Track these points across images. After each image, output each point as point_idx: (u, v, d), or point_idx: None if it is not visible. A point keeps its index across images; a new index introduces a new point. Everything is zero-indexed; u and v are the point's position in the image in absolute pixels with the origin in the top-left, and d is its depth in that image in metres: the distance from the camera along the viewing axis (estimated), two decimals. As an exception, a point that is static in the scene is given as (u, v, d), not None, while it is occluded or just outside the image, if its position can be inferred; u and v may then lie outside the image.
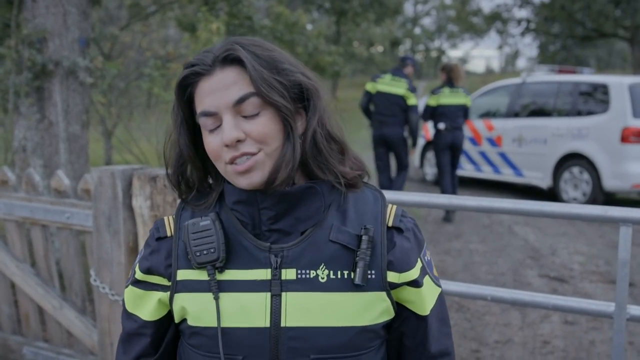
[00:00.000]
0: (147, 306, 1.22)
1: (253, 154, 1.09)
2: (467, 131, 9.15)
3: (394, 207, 1.23)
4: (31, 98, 4.77)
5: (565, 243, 6.96)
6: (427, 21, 65.94)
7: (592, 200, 8.32)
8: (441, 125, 7.82)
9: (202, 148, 1.18)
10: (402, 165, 7.86)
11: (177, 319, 1.19)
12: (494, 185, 10.40)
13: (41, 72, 4.76)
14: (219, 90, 1.10)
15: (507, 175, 9.72)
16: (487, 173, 10.08)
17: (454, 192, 8.00)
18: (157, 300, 1.21)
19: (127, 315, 1.26)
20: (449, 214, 7.97)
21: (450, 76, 7.88)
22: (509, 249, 6.74)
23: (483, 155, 10.06)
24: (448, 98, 7.81)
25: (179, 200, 1.26)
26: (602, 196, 8.34)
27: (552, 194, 9.08)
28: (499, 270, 5.94)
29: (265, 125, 1.10)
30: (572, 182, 8.65)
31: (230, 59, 1.10)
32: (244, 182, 1.11)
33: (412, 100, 7.50)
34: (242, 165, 1.09)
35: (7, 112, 4.85)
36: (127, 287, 1.26)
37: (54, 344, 3.29)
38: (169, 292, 1.18)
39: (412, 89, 7.55)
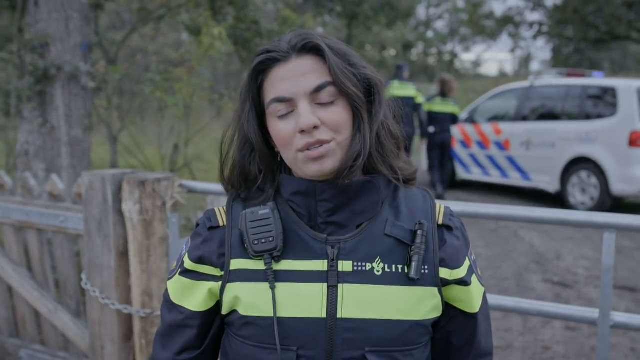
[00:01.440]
0: (196, 296, 1.20)
1: (327, 142, 1.09)
2: (458, 134, 10.20)
3: (443, 205, 1.25)
4: (33, 102, 4.81)
5: (571, 248, 6.91)
6: (439, 24, 65.68)
7: (600, 204, 8.25)
8: (431, 129, 9.38)
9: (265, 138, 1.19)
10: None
11: (225, 310, 1.18)
12: (502, 190, 10.34)
13: (43, 77, 4.80)
14: (296, 77, 1.11)
15: (514, 179, 9.67)
16: (494, 177, 10.03)
17: (442, 184, 9.53)
18: (207, 291, 1.19)
19: (171, 307, 1.24)
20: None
21: (443, 89, 9.43)
22: (514, 253, 6.70)
23: (491, 159, 10.01)
24: (439, 106, 9.36)
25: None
26: (610, 200, 8.27)
27: (559, 198, 9.01)
28: (503, 275, 5.90)
29: (340, 114, 1.11)
30: (580, 187, 8.59)
31: (308, 48, 1.12)
32: (314, 169, 1.10)
33: (419, 99, 9.21)
34: (315, 151, 1.09)
35: (9, 116, 4.89)
36: (171, 278, 1.25)
37: (50, 346, 3.31)
38: (220, 282, 1.17)
39: (418, 90, 9.17)
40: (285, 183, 1.18)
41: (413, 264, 1.12)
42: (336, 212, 1.15)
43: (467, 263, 1.22)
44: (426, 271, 1.15)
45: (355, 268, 1.13)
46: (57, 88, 4.90)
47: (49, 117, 4.93)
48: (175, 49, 9.31)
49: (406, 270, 1.13)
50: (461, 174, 10.68)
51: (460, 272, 1.20)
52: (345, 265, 1.13)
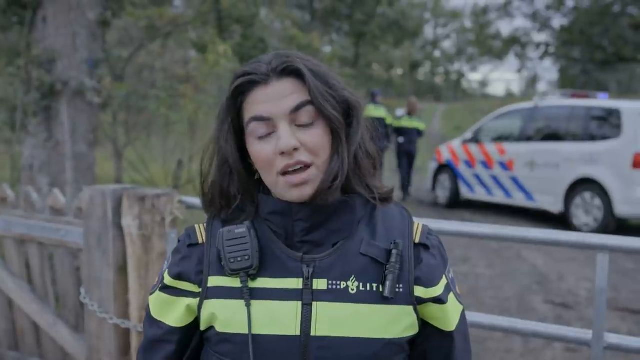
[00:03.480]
0: (174, 312, 1.22)
1: (307, 165, 1.11)
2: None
3: (421, 224, 1.25)
4: (39, 117, 4.87)
5: (573, 269, 6.89)
6: (447, 44, 66.01)
7: (604, 226, 8.22)
8: (400, 139, 11.98)
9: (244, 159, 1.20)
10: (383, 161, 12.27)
11: (203, 326, 1.19)
12: (506, 210, 10.33)
13: (49, 92, 4.86)
14: (276, 99, 1.11)
15: (518, 199, 9.66)
16: (498, 197, 10.03)
17: (408, 183, 12.09)
18: (185, 307, 1.21)
19: (152, 322, 1.26)
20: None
21: (410, 109, 12.13)
22: (516, 273, 6.68)
23: (495, 179, 10.02)
24: (407, 122, 11.96)
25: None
26: (614, 222, 8.25)
27: (563, 220, 9.00)
28: (504, 295, 5.89)
29: (320, 136, 1.12)
30: (583, 208, 8.57)
31: (288, 71, 1.13)
32: (296, 194, 1.12)
33: (389, 120, 11.97)
34: (297, 177, 1.10)
35: (15, 131, 4.95)
36: (152, 293, 1.27)
37: (49, 360, 3.32)
38: (198, 299, 1.19)
39: (388, 112, 12.06)
40: (263, 203, 1.19)
41: (387, 282, 1.13)
42: (312, 231, 1.15)
43: (443, 281, 1.22)
44: (401, 290, 1.15)
45: (330, 286, 1.14)
46: (62, 103, 4.96)
47: (54, 132, 4.98)
48: (183, 65, 9.41)
49: (381, 289, 1.14)
50: (465, 193, 10.69)
51: (436, 291, 1.20)
52: (320, 284, 1.14)
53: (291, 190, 1.12)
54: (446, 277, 1.23)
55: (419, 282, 1.18)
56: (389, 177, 13.94)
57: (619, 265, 7.04)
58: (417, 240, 1.21)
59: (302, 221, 1.15)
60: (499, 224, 8.74)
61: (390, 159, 14.04)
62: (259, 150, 1.13)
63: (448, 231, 2.12)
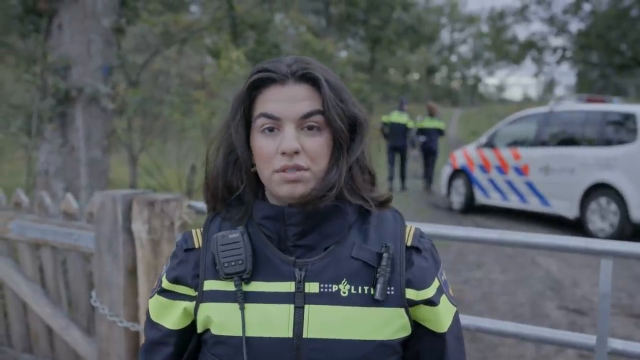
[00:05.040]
0: (172, 315, 1.26)
1: (304, 169, 1.14)
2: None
3: (413, 227, 1.27)
4: (54, 123, 4.94)
5: (588, 275, 6.84)
6: (463, 49, 65.80)
7: (620, 231, 8.15)
8: (422, 138, 13.79)
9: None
10: (405, 160, 14.04)
11: (200, 329, 1.23)
12: (521, 215, 10.28)
13: (64, 98, 4.93)
14: (289, 100, 1.15)
15: (533, 204, 9.60)
16: (513, 202, 9.97)
17: (430, 179, 13.94)
18: (182, 310, 1.25)
19: (151, 325, 1.30)
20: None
21: (430, 111, 13.88)
22: (530, 279, 6.64)
23: (509, 183, 9.97)
24: (428, 123, 13.75)
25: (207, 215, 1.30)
26: (630, 228, 8.16)
27: (579, 225, 8.93)
28: (518, 301, 5.86)
29: (321, 145, 1.16)
30: (599, 213, 8.50)
31: (306, 77, 1.17)
32: (286, 190, 1.14)
33: (410, 124, 13.85)
34: (292, 174, 1.13)
35: (31, 136, 5.02)
36: (152, 297, 1.30)
37: (61, 363, 3.36)
38: (194, 302, 1.22)
39: (410, 118, 13.95)
40: (257, 208, 1.22)
41: (378, 285, 1.15)
42: (305, 235, 1.18)
43: (435, 284, 1.24)
44: (392, 292, 1.18)
45: (322, 289, 1.16)
46: (77, 109, 5.03)
47: (69, 137, 5.05)
48: (199, 71, 9.48)
49: (372, 292, 1.16)
50: (480, 198, 10.64)
51: (428, 293, 1.22)
52: (312, 287, 1.16)
53: (283, 185, 1.14)
54: (438, 279, 1.25)
55: (410, 284, 1.20)
56: (414, 169, 16.34)
57: (634, 271, 6.98)
58: (409, 243, 1.23)
59: (294, 226, 1.17)
60: (514, 229, 8.72)
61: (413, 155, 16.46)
62: (262, 145, 1.16)
63: (445, 236, 2.13)
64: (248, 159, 1.21)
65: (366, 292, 1.17)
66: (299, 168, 1.13)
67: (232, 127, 1.21)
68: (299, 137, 1.14)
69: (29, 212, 3.38)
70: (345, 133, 1.18)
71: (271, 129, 1.15)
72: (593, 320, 5.28)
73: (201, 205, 2.75)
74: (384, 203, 1.26)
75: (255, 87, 1.19)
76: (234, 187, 1.24)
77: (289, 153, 1.13)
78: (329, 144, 1.17)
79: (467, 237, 2.14)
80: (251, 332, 1.16)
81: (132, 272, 2.74)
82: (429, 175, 13.85)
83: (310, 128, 1.15)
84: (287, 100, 1.15)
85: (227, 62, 5.90)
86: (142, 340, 2.75)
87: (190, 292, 1.24)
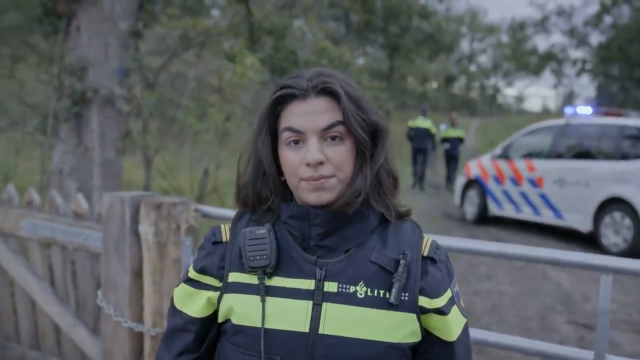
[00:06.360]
0: (196, 304, 1.33)
1: (329, 177, 1.20)
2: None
3: (430, 239, 1.33)
4: (70, 123, 5.01)
5: (599, 290, 6.77)
6: (483, 59, 65.52)
7: (634, 246, 8.08)
8: (446, 146, 15.89)
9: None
10: (428, 161, 16.16)
11: (221, 319, 1.29)
12: (534, 227, 10.21)
13: (80, 99, 5.00)
14: (311, 114, 1.22)
15: (547, 217, 9.54)
16: (527, 214, 9.92)
17: (450, 180, 15.81)
18: (206, 299, 1.31)
19: (174, 312, 1.36)
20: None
21: (452, 122, 15.96)
22: (541, 292, 6.60)
23: (523, 195, 9.92)
24: (451, 132, 15.84)
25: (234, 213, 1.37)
26: (644, 243, 8.10)
27: (592, 239, 8.86)
28: (527, 314, 5.82)
29: (345, 153, 1.22)
30: (613, 227, 8.43)
31: (326, 90, 1.23)
32: (314, 198, 1.21)
33: (433, 130, 15.88)
34: (317, 182, 1.20)
35: (46, 136, 5.10)
36: (177, 285, 1.37)
37: (68, 361, 3.40)
38: (218, 292, 1.29)
39: (433, 124, 16.04)
40: (284, 208, 1.28)
41: (393, 290, 1.21)
42: (327, 236, 1.24)
43: (448, 294, 1.29)
44: (406, 298, 1.23)
45: (340, 289, 1.22)
46: (93, 111, 5.10)
47: (84, 138, 5.12)
48: (218, 75, 9.56)
49: (387, 296, 1.22)
50: (494, 210, 10.60)
51: (439, 302, 1.27)
52: (331, 286, 1.22)
53: (310, 193, 1.22)
54: (451, 290, 1.31)
55: (423, 292, 1.26)
56: (428, 177, 17.71)
57: (647, 287, 6.92)
58: (425, 254, 1.29)
59: (318, 226, 1.24)
60: (527, 241, 8.66)
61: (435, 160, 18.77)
62: (289, 157, 1.23)
63: (450, 247, 2.14)
64: (275, 171, 1.28)
65: (382, 295, 1.23)
66: (324, 178, 1.20)
67: (259, 141, 1.28)
68: (322, 147, 1.21)
69: (40, 211, 3.43)
70: (367, 141, 1.24)
71: (296, 142, 1.22)
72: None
73: (208, 209, 2.78)
74: (403, 215, 1.32)
75: (279, 103, 1.26)
76: (262, 196, 1.31)
77: (314, 164, 1.19)
78: (352, 152, 1.24)
79: (465, 249, 2.15)
80: (270, 324, 1.21)
81: (137, 274, 2.78)
82: (450, 177, 15.85)
83: (333, 138, 1.22)
84: (309, 114, 1.22)
85: (241, 67, 5.95)
86: (146, 341, 2.78)
87: (215, 282, 1.31)
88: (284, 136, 1.23)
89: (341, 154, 1.21)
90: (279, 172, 1.30)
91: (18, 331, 3.67)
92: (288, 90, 1.24)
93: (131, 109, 5.43)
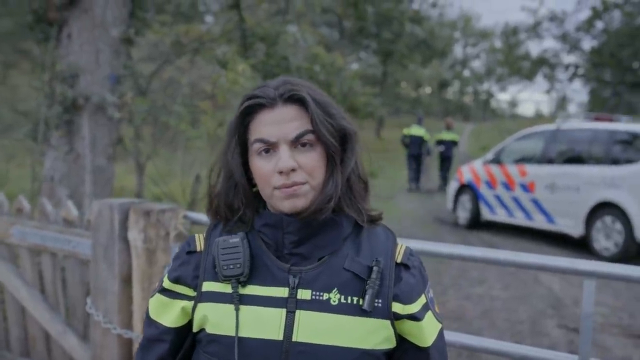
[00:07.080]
0: (170, 314, 1.33)
1: (302, 184, 1.21)
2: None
3: (404, 245, 1.34)
4: (61, 130, 5.01)
5: (590, 294, 6.79)
6: (476, 64, 65.77)
7: (625, 251, 8.12)
8: (441, 148, 16.50)
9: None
10: (422, 166, 17.03)
11: (196, 328, 1.29)
12: (526, 232, 10.25)
13: (71, 106, 5.00)
14: (280, 122, 1.22)
15: (538, 222, 9.57)
16: (519, 219, 9.95)
17: (445, 181, 16.63)
18: (180, 309, 1.32)
19: (150, 323, 1.37)
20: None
21: (447, 126, 16.90)
22: (532, 297, 6.62)
23: (516, 200, 9.95)
24: (445, 135, 16.48)
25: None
26: (634, 247, 8.13)
27: (583, 243, 8.90)
28: (518, 318, 5.84)
29: (316, 160, 1.23)
30: (604, 232, 8.47)
31: (294, 98, 1.24)
32: (288, 205, 1.22)
33: (426, 137, 16.64)
34: (290, 189, 1.21)
35: (37, 143, 5.10)
36: (152, 296, 1.37)
37: (58, 368, 3.40)
38: (193, 302, 1.29)
39: (427, 131, 16.79)
40: (258, 217, 1.30)
41: (367, 297, 1.22)
42: (301, 244, 1.25)
43: (422, 300, 1.30)
44: (379, 304, 1.24)
45: (313, 297, 1.23)
46: (84, 117, 5.11)
47: (75, 145, 5.12)
48: (211, 81, 9.57)
49: (360, 303, 1.23)
50: (486, 214, 10.63)
51: (413, 308, 1.28)
52: (304, 294, 1.23)
53: (284, 201, 1.22)
54: (425, 296, 1.32)
55: (397, 298, 1.26)
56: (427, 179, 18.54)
57: (636, 291, 6.95)
58: (398, 260, 1.30)
59: (291, 234, 1.25)
60: (519, 246, 8.68)
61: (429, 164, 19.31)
62: (260, 166, 1.23)
63: (428, 252, 2.16)
64: (246, 182, 1.29)
65: (355, 302, 1.23)
66: (296, 184, 1.21)
67: (229, 153, 1.29)
68: (294, 154, 1.22)
69: (30, 218, 3.44)
70: (336, 146, 1.25)
71: (267, 150, 1.23)
72: (593, 340, 5.26)
73: (197, 216, 2.79)
74: (375, 219, 1.33)
75: (248, 114, 1.27)
76: (234, 207, 1.31)
77: (286, 171, 1.20)
78: (323, 158, 1.25)
79: (449, 254, 2.17)
80: (244, 333, 1.22)
81: (127, 280, 2.78)
82: (444, 177, 16.67)
83: (304, 145, 1.22)
84: (278, 123, 1.22)
85: (233, 74, 5.96)
86: (136, 347, 2.78)
87: (190, 292, 1.31)
88: (255, 147, 1.24)
89: (313, 160, 1.22)
90: (250, 183, 1.31)
91: (8, 338, 3.67)
92: (256, 100, 1.25)
93: (123, 115, 5.43)
